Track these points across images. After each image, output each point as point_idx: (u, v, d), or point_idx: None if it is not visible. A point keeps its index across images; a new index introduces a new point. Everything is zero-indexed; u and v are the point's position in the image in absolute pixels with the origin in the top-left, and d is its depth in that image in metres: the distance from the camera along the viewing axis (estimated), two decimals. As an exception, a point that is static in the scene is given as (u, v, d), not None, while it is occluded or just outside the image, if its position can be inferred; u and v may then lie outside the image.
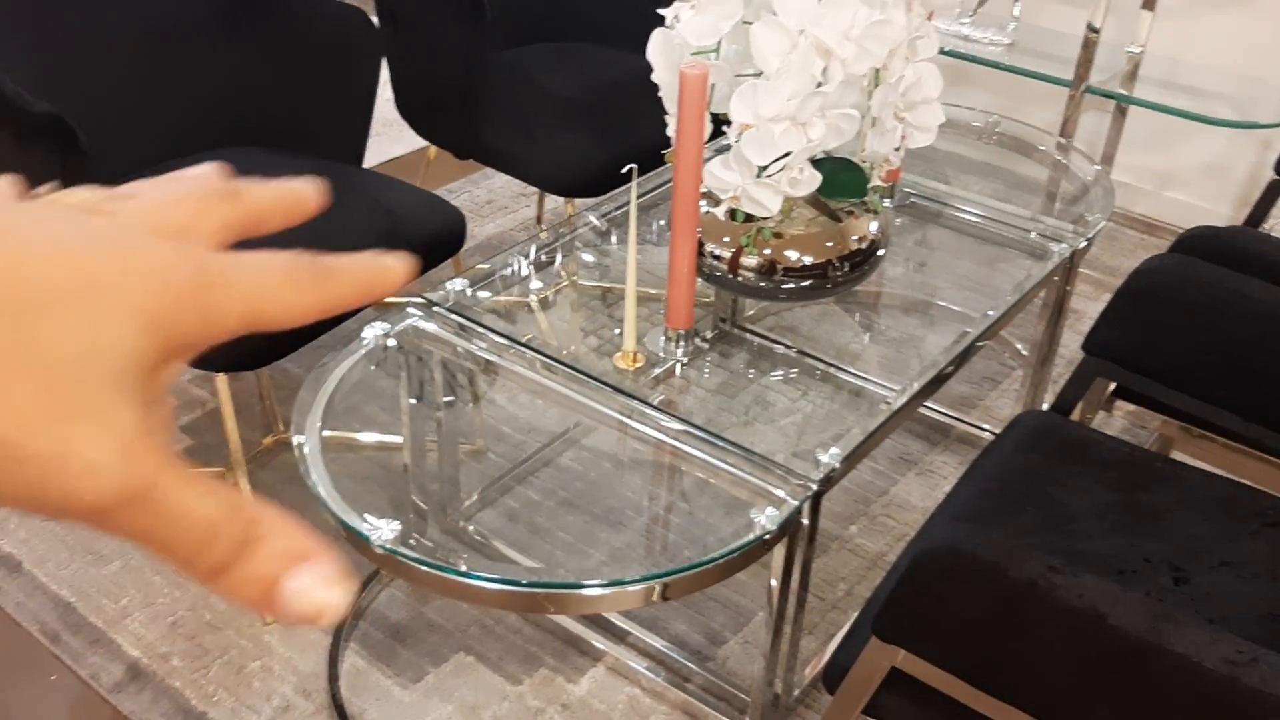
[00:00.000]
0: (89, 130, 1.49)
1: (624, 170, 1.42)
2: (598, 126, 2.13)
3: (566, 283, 1.80)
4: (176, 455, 0.28)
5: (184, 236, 0.31)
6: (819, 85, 1.41)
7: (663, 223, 1.92)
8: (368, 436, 1.67)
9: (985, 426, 2.13)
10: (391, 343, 1.59)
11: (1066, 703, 0.92)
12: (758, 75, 1.43)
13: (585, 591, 1.29)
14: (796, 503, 1.33)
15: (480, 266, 1.71)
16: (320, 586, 0.29)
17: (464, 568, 1.29)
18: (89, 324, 0.26)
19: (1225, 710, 0.83)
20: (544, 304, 1.74)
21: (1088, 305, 2.52)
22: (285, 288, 0.31)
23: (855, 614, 1.78)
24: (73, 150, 1.48)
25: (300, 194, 0.36)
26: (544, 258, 1.81)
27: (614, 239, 1.89)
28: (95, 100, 1.79)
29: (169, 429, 0.30)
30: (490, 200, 2.88)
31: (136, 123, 1.87)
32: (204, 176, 0.33)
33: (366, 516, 1.30)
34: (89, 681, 1.61)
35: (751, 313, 1.84)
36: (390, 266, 0.34)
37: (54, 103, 1.48)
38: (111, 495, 0.26)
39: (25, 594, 1.74)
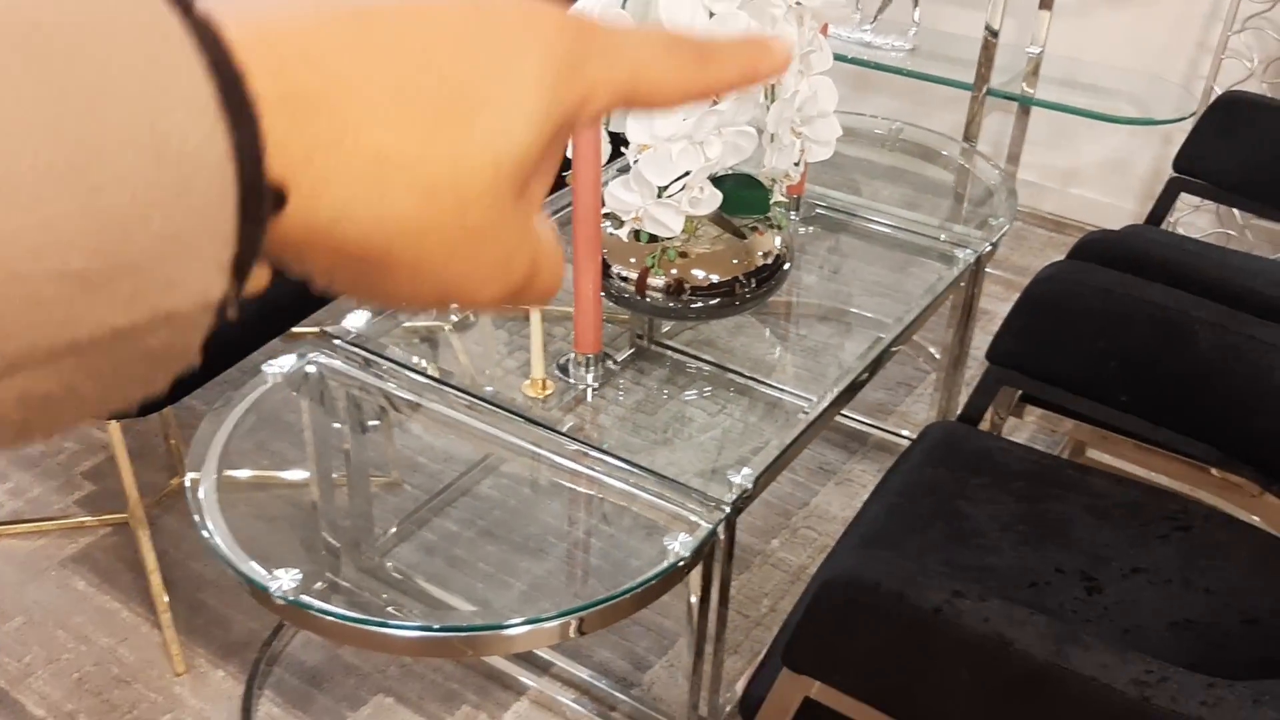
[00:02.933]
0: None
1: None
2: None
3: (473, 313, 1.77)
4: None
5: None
6: (713, 104, 1.40)
7: (568, 247, 1.89)
8: (274, 474, 1.62)
9: (902, 433, 2.14)
10: (299, 376, 1.54)
11: (979, 727, 0.92)
12: (653, 95, 1.41)
13: (501, 632, 1.26)
14: (710, 526, 1.31)
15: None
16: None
17: (378, 612, 1.25)
18: (500, 124, 0.25)
19: (1133, 730, 0.83)
20: (453, 332, 1.70)
21: (999, 306, 2.55)
22: (668, 63, 0.29)
23: (777, 634, 1.78)
24: None
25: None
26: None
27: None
28: None
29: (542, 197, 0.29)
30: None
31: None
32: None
33: (264, 566, 1.25)
34: (-12, 748, 1.55)
35: (667, 329, 1.82)
36: (771, 46, 0.31)
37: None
38: (537, 136, 0.25)
39: (-83, 659, 1.66)
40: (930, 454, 1.29)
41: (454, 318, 1.72)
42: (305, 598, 1.23)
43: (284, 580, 1.23)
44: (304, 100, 0.23)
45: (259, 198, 0.22)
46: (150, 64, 0.20)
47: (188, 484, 1.35)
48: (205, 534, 1.28)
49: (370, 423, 1.63)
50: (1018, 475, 1.26)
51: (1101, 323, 1.32)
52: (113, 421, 1.59)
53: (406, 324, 1.66)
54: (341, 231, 0.24)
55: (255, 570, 1.24)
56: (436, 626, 1.25)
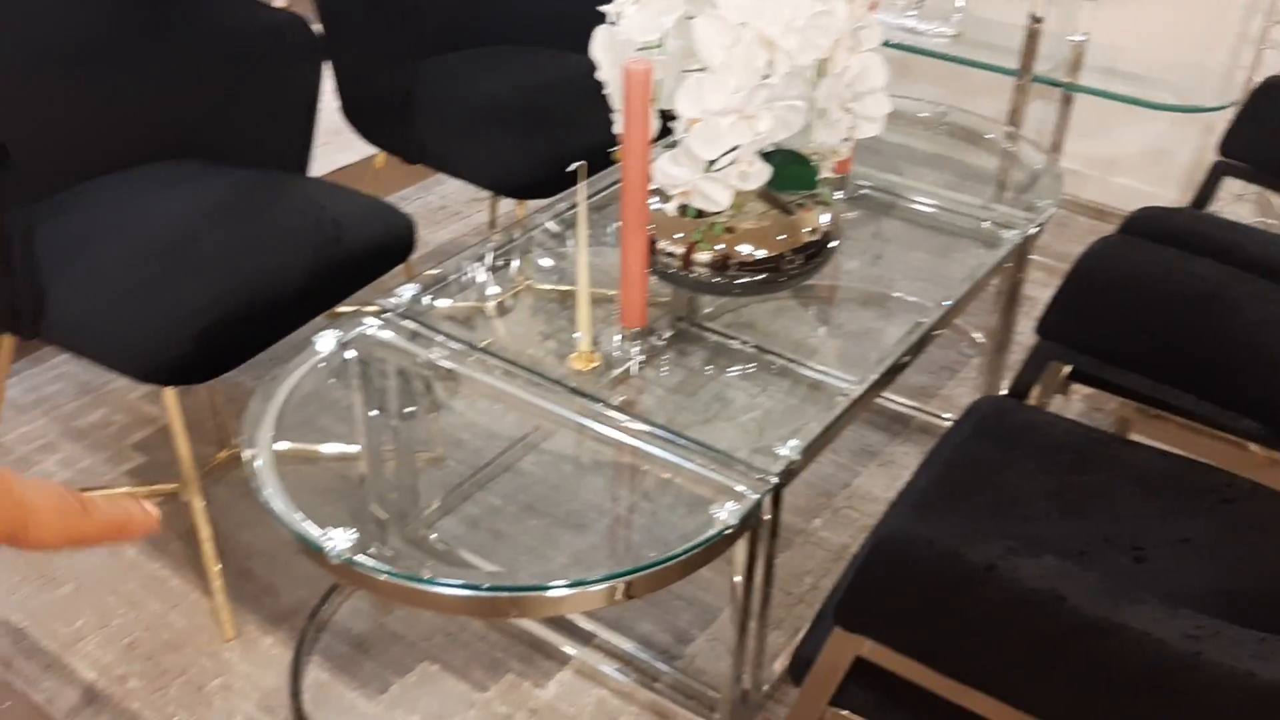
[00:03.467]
0: (16, 146, 1.46)
1: (570, 169, 1.41)
2: (540, 127, 2.12)
3: (521, 286, 1.79)
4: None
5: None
6: (764, 78, 1.41)
7: (617, 224, 1.90)
8: (323, 448, 1.65)
9: (945, 415, 2.14)
10: (347, 350, 1.57)
11: (1029, 684, 0.92)
12: (703, 69, 1.43)
13: (548, 593, 1.28)
14: (756, 496, 1.33)
15: (431, 272, 1.70)
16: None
17: (425, 574, 1.28)
18: None
19: (1189, 684, 0.84)
20: (499, 308, 1.72)
21: (1041, 291, 2.54)
22: (53, 515, 0.36)
23: (827, 598, 1.78)
24: (3, 168, 1.45)
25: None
26: (497, 261, 1.79)
27: (569, 242, 1.87)
28: (24, 118, 1.76)
29: None
30: (443, 206, 2.86)
31: (67, 140, 1.83)
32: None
33: (321, 527, 1.28)
34: (44, 707, 1.58)
35: (709, 310, 1.83)
36: (135, 516, 0.40)
37: (-14, 117, 1.44)
38: None
39: (-25, 621, 1.70)
40: (978, 427, 1.29)
41: (496, 300, 1.74)
42: (360, 557, 1.25)
43: (339, 540, 1.26)
44: None
45: None
46: None
47: (244, 454, 1.37)
48: (263, 497, 1.31)
49: (407, 409, 1.66)
50: (1064, 448, 1.26)
51: (1151, 297, 1.32)
52: (168, 390, 1.62)
53: (449, 304, 1.67)
54: None
55: (312, 530, 1.26)
56: (485, 586, 1.26)
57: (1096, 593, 0.88)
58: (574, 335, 1.62)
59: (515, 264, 1.81)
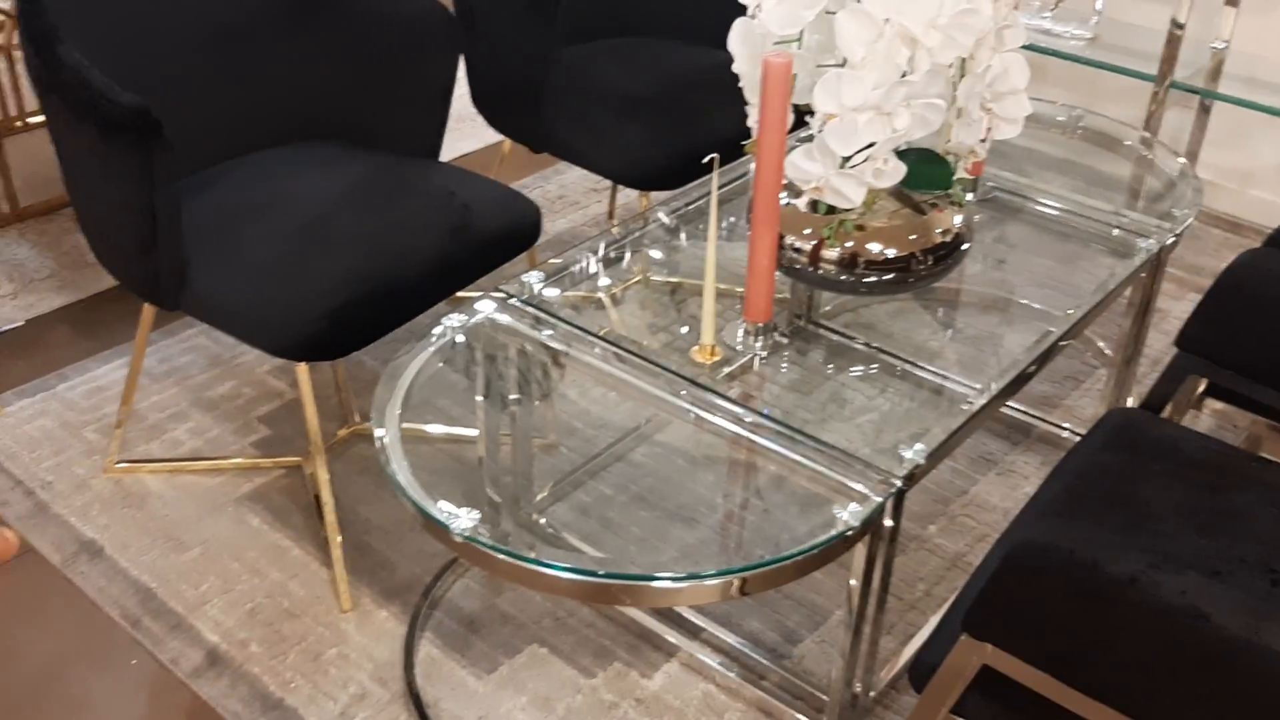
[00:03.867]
0: (168, 122, 1.51)
1: (705, 160, 1.41)
2: (669, 120, 2.12)
3: (641, 277, 1.80)
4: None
5: None
6: (904, 75, 1.39)
7: (733, 219, 1.90)
8: (443, 429, 1.67)
9: (1066, 426, 2.09)
10: (470, 335, 1.59)
11: (1163, 703, 0.90)
12: (840, 65, 1.41)
13: (661, 584, 1.28)
14: (880, 499, 1.31)
15: (553, 261, 1.71)
16: None
17: (542, 557, 1.29)
18: None
19: (1342, 714, 0.80)
20: (620, 298, 1.73)
21: (1171, 304, 2.46)
22: None
23: (933, 614, 1.75)
24: (156, 143, 1.50)
25: None
26: (617, 253, 1.80)
27: (684, 236, 1.87)
28: (175, 94, 1.82)
29: None
30: (562, 195, 2.88)
31: (214, 117, 1.89)
32: None
33: (446, 505, 1.30)
34: (168, 666, 1.63)
35: (827, 309, 1.82)
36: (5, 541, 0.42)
37: (135, 94, 1.50)
38: None
39: (107, 579, 1.76)
40: (1110, 439, 1.26)
41: (612, 290, 1.74)
42: (480, 535, 1.27)
43: (464, 518, 1.28)
44: None
45: None
46: None
47: (375, 433, 1.40)
48: (390, 471, 1.34)
49: (525, 395, 1.67)
50: (1201, 465, 1.22)
51: (1304, 312, 1.27)
52: (301, 365, 1.66)
53: (569, 293, 1.69)
54: None
55: (441, 507, 1.28)
56: (601, 572, 1.27)
57: (1242, 613, 0.85)
58: (685, 329, 1.62)
59: (636, 255, 1.82)
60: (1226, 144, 2.88)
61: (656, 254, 1.83)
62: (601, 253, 1.77)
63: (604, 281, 1.73)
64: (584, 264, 1.75)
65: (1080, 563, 0.89)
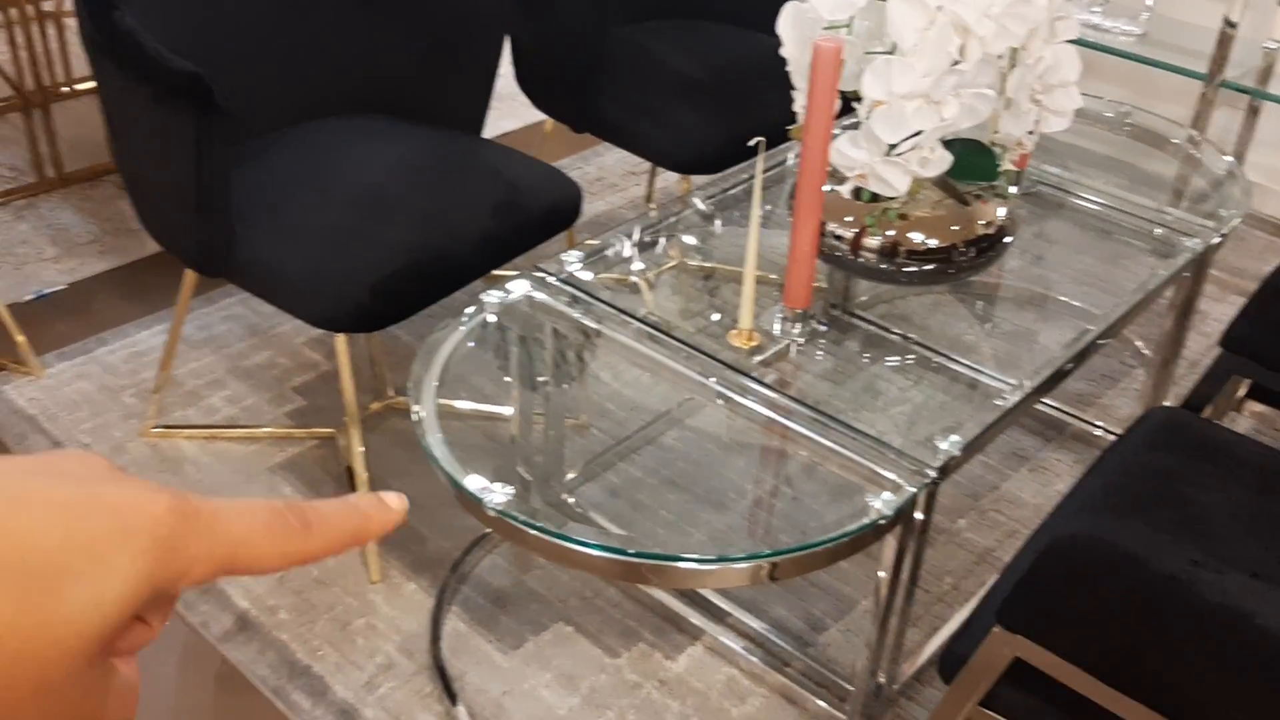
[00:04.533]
0: (220, 91, 1.52)
1: (751, 143, 1.41)
2: (718, 104, 2.11)
3: (679, 260, 1.79)
4: None
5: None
6: (955, 63, 1.38)
7: (770, 206, 1.89)
8: (478, 406, 1.68)
9: (1101, 424, 2.07)
10: (507, 313, 1.59)
11: (1203, 704, 0.89)
12: (890, 52, 1.40)
13: (690, 566, 1.28)
14: (914, 490, 1.30)
15: (591, 242, 1.71)
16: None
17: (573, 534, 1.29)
18: (90, 597, 0.28)
19: (1382, 721, 0.79)
20: (657, 281, 1.73)
21: (1213, 306, 2.44)
22: (265, 541, 0.32)
23: (960, 608, 1.75)
24: (209, 110, 1.51)
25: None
26: (655, 236, 1.80)
27: (720, 222, 1.87)
28: (225, 61, 1.83)
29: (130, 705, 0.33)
30: (600, 178, 2.88)
31: (265, 85, 1.90)
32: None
33: (480, 479, 1.30)
34: (199, 629, 1.65)
35: (864, 299, 1.81)
36: (373, 516, 0.35)
37: (188, 62, 1.51)
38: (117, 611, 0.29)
39: (142, 541, 1.78)
40: (1153, 437, 1.25)
41: (651, 274, 1.74)
42: (512, 510, 1.28)
43: (498, 493, 1.28)
44: None
45: None
46: None
47: (411, 406, 1.41)
48: (428, 445, 1.34)
49: (560, 375, 1.68)
50: (1247, 466, 1.21)
51: (1354, 316, 1.25)
52: (340, 336, 1.67)
53: (606, 275, 1.68)
54: None
55: (475, 481, 1.29)
56: (631, 551, 1.27)
57: (1286, 616, 0.84)
58: (718, 315, 1.62)
59: (673, 239, 1.81)
60: (1276, 145, 2.84)
61: (694, 239, 1.83)
62: (639, 235, 1.77)
63: (640, 264, 1.73)
64: (621, 246, 1.74)
65: (1122, 557, 0.88)
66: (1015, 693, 1.07)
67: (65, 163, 2.76)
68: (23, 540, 0.27)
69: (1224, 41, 2.47)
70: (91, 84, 2.91)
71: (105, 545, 0.28)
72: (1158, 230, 1.84)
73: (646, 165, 2.88)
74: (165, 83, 1.50)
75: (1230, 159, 2.03)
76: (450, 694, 1.57)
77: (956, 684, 1.08)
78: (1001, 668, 1.03)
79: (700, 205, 1.87)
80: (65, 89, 2.84)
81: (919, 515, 1.35)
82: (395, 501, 0.35)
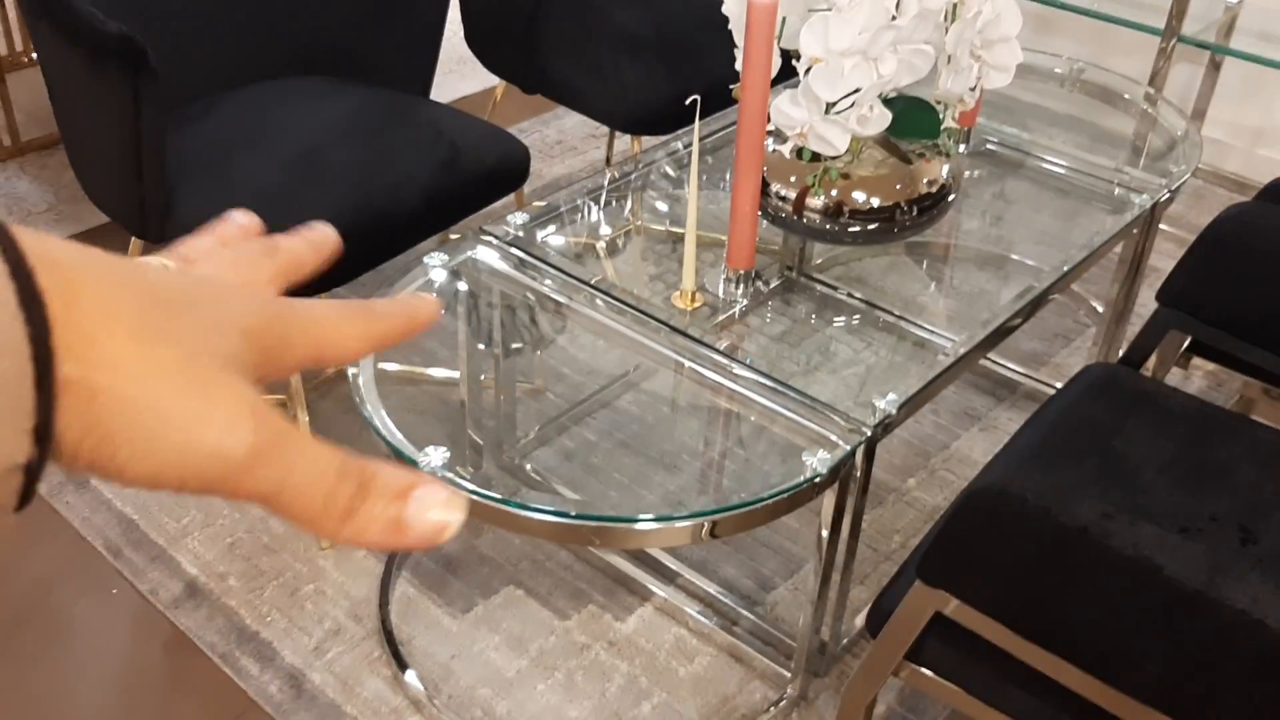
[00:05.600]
0: (156, 53, 1.50)
1: (688, 102, 1.39)
2: (664, 61, 2.09)
3: (632, 223, 1.78)
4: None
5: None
6: (892, 19, 1.36)
7: (727, 165, 1.88)
8: (426, 370, 1.67)
9: (1054, 384, 2.08)
10: (454, 275, 1.58)
11: (1116, 654, 0.89)
12: (830, 8, 1.39)
13: (633, 526, 1.28)
14: (849, 447, 1.31)
15: (539, 203, 1.70)
16: (438, 506, 0.32)
17: (514, 499, 1.29)
18: (206, 329, 0.30)
19: (1283, 669, 0.80)
20: (608, 244, 1.72)
21: (1169, 264, 2.43)
22: (340, 329, 0.35)
23: (911, 552, 1.76)
24: (143, 71, 1.49)
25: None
26: (607, 198, 1.78)
27: (674, 181, 1.86)
28: (163, 23, 1.80)
29: None
30: (560, 141, 2.86)
31: (204, 48, 1.87)
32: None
33: (419, 447, 1.30)
34: (148, 596, 1.65)
35: (819, 261, 1.80)
36: (420, 308, 0.39)
37: (124, 24, 1.48)
38: (250, 448, 0.29)
39: (91, 510, 1.78)
40: (1089, 390, 1.25)
41: (605, 236, 1.73)
42: (452, 474, 1.27)
43: (434, 457, 1.28)
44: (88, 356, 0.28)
45: (50, 378, 0.26)
46: None
47: (349, 371, 1.40)
48: (365, 412, 1.33)
49: (510, 339, 1.67)
50: (1180, 419, 1.21)
51: (1285, 269, 1.25)
52: (280, 300, 1.66)
53: (559, 239, 1.68)
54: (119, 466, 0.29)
55: (406, 446, 1.28)
56: (572, 513, 1.27)
57: (1196, 565, 0.85)
58: (669, 276, 1.61)
59: (627, 201, 1.80)
60: (1238, 101, 2.84)
61: (650, 200, 1.82)
62: (588, 196, 1.76)
63: (589, 225, 1.72)
64: (569, 207, 1.73)
65: (1033, 509, 0.89)
66: (941, 645, 1.08)
67: (21, 131, 2.72)
68: (142, 289, 0.29)
69: (1183, -4, 2.46)
70: (42, 49, 2.87)
71: (214, 297, 0.32)
72: (1109, 187, 1.83)
73: (606, 128, 2.86)
74: (98, 45, 1.48)
75: (1184, 116, 2.02)
76: (398, 658, 1.57)
77: (882, 638, 1.09)
78: (924, 621, 1.03)
79: (658, 165, 1.85)
80: (24, 58, 2.81)
81: (858, 465, 1.35)
82: (434, 300, 0.40)
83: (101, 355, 0.27)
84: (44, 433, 0.26)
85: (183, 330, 0.29)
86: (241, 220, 0.41)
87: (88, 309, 0.27)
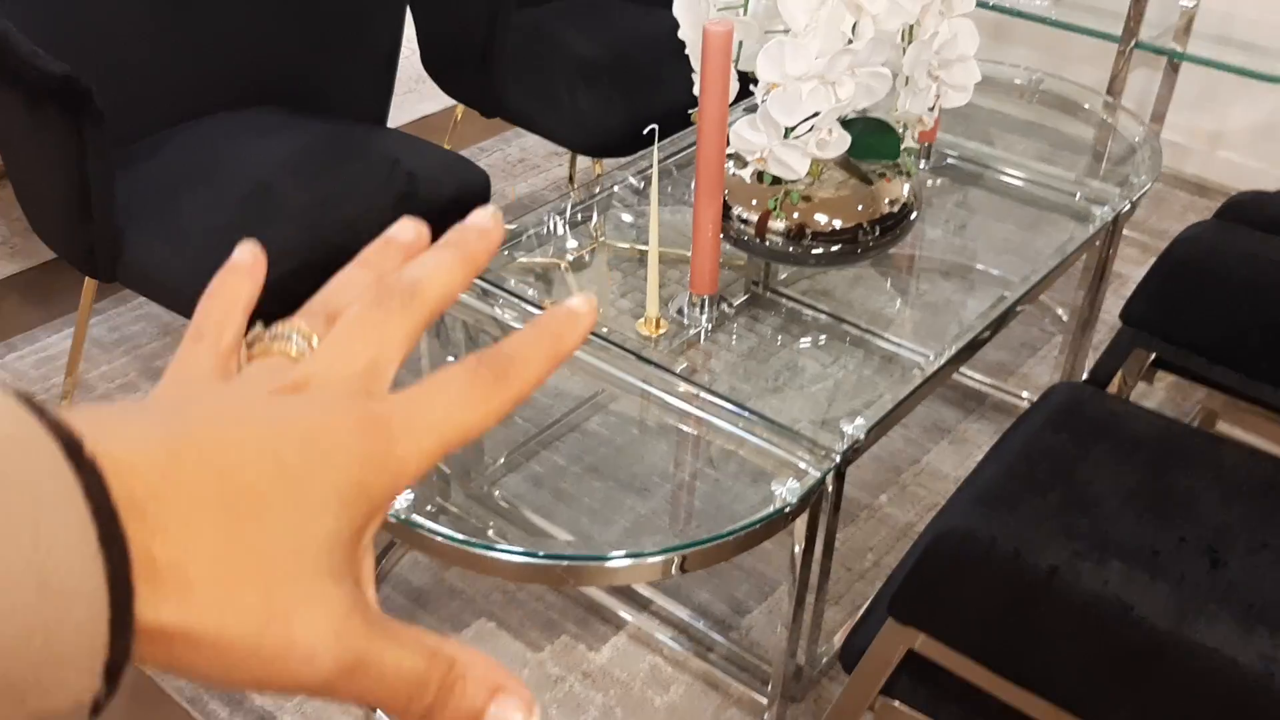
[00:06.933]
0: (102, 91, 1.47)
1: (645, 131, 1.38)
2: (621, 86, 2.08)
3: (595, 244, 1.77)
4: (380, 611, 0.30)
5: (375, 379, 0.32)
6: (849, 43, 1.36)
7: (687, 187, 1.87)
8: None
9: (1023, 394, 2.08)
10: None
11: (1089, 694, 0.89)
12: (786, 32, 1.38)
13: (604, 564, 1.27)
14: (819, 474, 1.30)
15: (507, 227, 1.68)
16: (516, 713, 0.31)
17: (484, 537, 1.27)
18: (295, 520, 0.28)
19: (1258, 709, 0.80)
20: (572, 266, 1.70)
21: (1133, 270, 2.45)
22: (467, 410, 0.31)
23: (882, 586, 1.75)
24: (87, 114, 1.46)
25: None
26: (570, 221, 1.77)
27: (639, 202, 1.85)
28: (107, 59, 1.77)
29: (372, 578, 0.32)
30: (522, 159, 2.84)
31: (150, 83, 1.84)
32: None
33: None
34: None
35: (784, 277, 1.80)
36: (565, 335, 0.33)
37: (67, 62, 1.45)
38: (330, 673, 0.28)
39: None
40: (1053, 417, 1.25)
41: (570, 257, 1.72)
42: (416, 517, 1.25)
43: (398, 499, 1.25)
44: (158, 557, 0.26)
45: (128, 622, 0.25)
46: (38, 506, 0.23)
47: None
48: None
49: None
50: (1144, 443, 1.21)
51: (1245, 287, 1.25)
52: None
53: (523, 259, 1.66)
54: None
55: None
56: (541, 554, 1.26)
57: (1165, 605, 0.84)
58: (631, 302, 1.60)
59: (590, 222, 1.79)
60: (1196, 105, 2.86)
61: (617, 219, 1.80)
62: (551, 220, 1.75)
63: (556, 248, 1.71)
64: (532, 231, 1.72)
65: (1001, 553, 0.88)
66: (915, 682, 1.07)
67: (-31, 162, 2.68)
68: (226, 478, 0.27)
69: (1139, 1, 2.48)
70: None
71: (303, 475, 0.28)
72: (1071, 198, 1.84)
73: (569, 144, 2.85)
74: (40, 86, 1.45)
75: (1143, 124, 2.03)
76: (369, 697, 1.55)
77: (856, 674, 1.08)
78: (896, 658, 1.02)
79: (622, 186, 1.84)
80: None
81: (829, 490, 1.34)
82: (583, 305, 0.33)
83: (181, 595, 0.26)
84: (115, 672, 0.25)
85: (268, 538, 0.27)
86: (405, 236, 0.37)
87: (172, 537, 0.26)
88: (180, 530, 0.26)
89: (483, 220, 0.35)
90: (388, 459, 0.30)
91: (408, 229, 0.38)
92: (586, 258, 1.74)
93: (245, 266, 0.37)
